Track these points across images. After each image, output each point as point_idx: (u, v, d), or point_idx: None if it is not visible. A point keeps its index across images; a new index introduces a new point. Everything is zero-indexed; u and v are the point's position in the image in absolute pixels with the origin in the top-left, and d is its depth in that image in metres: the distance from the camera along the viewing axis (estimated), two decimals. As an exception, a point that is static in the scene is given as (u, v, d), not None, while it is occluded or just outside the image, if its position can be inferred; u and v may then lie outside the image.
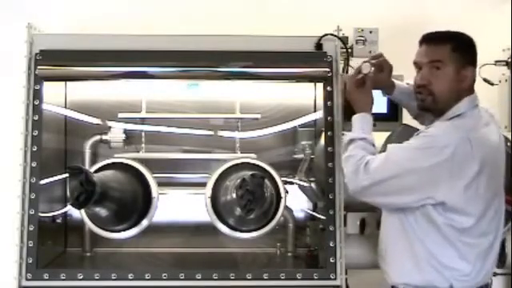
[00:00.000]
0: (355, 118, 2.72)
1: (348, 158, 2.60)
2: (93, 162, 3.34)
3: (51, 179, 3.18)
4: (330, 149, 3.01)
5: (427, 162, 2.45)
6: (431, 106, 2.63)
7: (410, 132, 2.80)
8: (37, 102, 3.01)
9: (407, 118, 3.08)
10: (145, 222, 3.06)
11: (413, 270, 2.56)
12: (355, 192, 2.56)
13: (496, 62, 3.39)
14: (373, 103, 2.74)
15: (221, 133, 3.48)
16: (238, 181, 2.76)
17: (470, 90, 2.61)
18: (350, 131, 2.71)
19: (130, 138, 3.39)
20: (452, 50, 2.59)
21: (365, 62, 2.78)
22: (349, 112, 2.81)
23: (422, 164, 2.45)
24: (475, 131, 2.52)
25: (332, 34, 3.09)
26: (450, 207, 2.47)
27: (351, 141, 2.65)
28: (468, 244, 2.51)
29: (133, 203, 3.03)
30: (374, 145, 2.65)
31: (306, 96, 3.46)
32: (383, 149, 2.92)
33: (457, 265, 2.51)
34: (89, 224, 3.04)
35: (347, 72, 3.22)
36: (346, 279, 2.98)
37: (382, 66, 2.81)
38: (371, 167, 2.50)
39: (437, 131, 2.52)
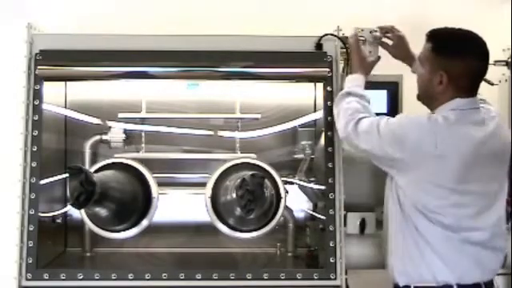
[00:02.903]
0: (352, 77, 2.89)
1: (342, 108, 2.76)
2: (93, 161, 3.34)
3: (51, 179, 3.18)
4: (329, 149, 3.01)
5: (411, 132, 2.53)
6: (420, 101, 2.70)
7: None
8: (37, 102, 3.01)
9: (407, 118, 3.08)
10: (145, 222, 3.06)
11: (408, 263, 2.58)
12: (344, 139, 2.77)
13: (496, 61, 3.38)
14: (366, 66, 2.91)
15: (221, 133, 3.48)
16: (238, 181, 2.76)
17: (465, 93, 2.57)
18: None
19: (130, 138, 3.39)
20: (431, 50, 2.60)
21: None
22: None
23: (406, 135, 2.53)
24: (454, 127, 2.50)
25: (332, 34, 3.09)
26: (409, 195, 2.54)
27: (349, 94, 2.78)
28: (448, 237, 2.51)
29: (133, 203, 3.02)
30: (369, 101, 2.79)
31: (306, 96, 3.46)
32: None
33: (434, 258, 2.52)
34: (89, 224, 3.04)
35: (347, 72, 3.22)
36: (346, 279, 2.98)
37: (397, 41, 2.99)
38: (359, 129, 2.64)
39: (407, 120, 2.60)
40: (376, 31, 3.02)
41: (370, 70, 2.93)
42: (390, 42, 3.03)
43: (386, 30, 3.04)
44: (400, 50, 3.01)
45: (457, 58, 2.56)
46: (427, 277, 2.54)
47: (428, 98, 2.65)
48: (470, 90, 2.59)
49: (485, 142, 2.54)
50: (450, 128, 2.51)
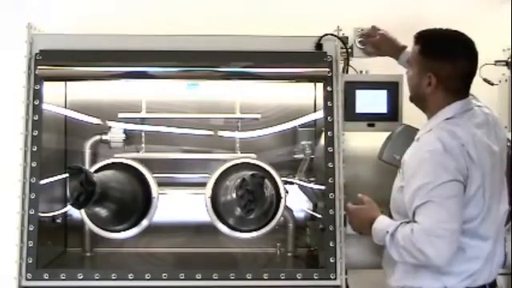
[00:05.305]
0: (376, 224, 2.60)
1: (403, 251, 2.46)
2: (93, 161, 3.34)
3: (51, 179, 3.18)
4: (329, 149, 3.01)
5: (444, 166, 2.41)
6: (412, 102, 2.68)
7: (410, 132, 2.80)
8: (37, 102, 3.01)
9: (407, 118, 3.08)
10: (145, 222, 3.06)
11: (409, 271, 2.56)
12: (443, 260, 2.41)
13: (496, 61, 3.38)
14: (374, 212, 2.66)
15: (221, 133, 3.48)
16: (238, 181, 2.76)
17: (457, 95, 2.55)
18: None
19: (130, 138, 3.39)
20: (419, 52, 2.58)
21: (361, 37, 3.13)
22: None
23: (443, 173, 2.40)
24: (468, 135, 2.48)
25: (332, 34, 3.09)
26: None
27: (392, 236, 2.50)
28: (470, 246, 2.49)
29: (133, 203, 3.03)
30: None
31: (306, 96, 3.46)
32: (383, 149, 2.94)
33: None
34: (89, 224, 3.04)
35: (347, 72, 3.22)
36: (346, 279, 2.98)
37: (376, 45, 3.07)
38: (418, 229, 2.39)
39: (433, 143, 2.46)
40: (361, 38, 3.14)
41: None
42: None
43: (368, 35, 3.12)
44: (386, 47, 3.06)
45: (444, 60, 2.52)
46: (435, 282, 2.52)
47: (419, 100, 2.62)
48: (462, 91, 2.57)
49: (496, 150, 2.54)
50: (469, 135, 2.48)
